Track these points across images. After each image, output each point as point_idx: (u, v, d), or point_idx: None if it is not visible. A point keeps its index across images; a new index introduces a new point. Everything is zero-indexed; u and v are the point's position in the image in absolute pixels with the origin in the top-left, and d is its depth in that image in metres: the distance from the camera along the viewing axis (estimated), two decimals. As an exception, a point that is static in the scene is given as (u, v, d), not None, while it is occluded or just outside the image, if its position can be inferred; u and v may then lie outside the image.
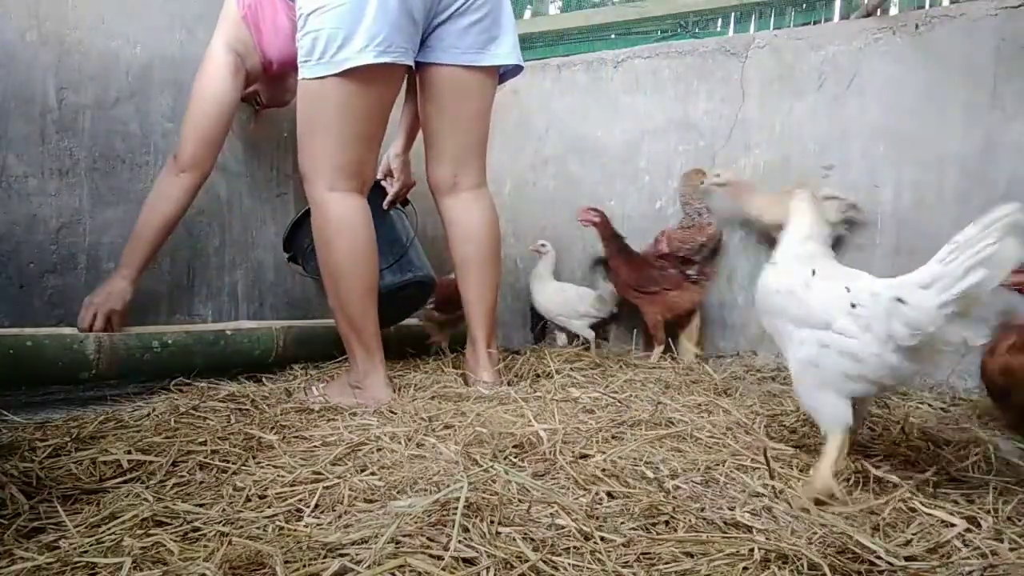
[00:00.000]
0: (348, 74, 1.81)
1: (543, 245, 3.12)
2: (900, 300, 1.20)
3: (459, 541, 0.94)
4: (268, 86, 2.41)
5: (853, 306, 1.26)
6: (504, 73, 2.15)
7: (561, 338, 3.21)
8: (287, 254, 2.45)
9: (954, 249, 1.16)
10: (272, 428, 1.62)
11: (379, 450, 1.45)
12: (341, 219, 1.92)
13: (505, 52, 2.06)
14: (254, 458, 1.40)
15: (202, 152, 2.14)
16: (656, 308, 2.72)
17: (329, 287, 1.98)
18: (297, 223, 2.37)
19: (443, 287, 2.64)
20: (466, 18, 1.98)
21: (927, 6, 2.93)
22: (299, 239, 2.35)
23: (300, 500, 1.17)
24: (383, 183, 2.40)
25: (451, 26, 1.98)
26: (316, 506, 1.15)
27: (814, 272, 1.37)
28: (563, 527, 1.03)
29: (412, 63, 1.93)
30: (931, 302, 1.17)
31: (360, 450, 1.44)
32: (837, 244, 2.64)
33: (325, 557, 0.93)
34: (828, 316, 1.30)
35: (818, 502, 1.19)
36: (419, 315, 2.80)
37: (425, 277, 2.42)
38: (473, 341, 2.19)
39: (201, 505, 1.15)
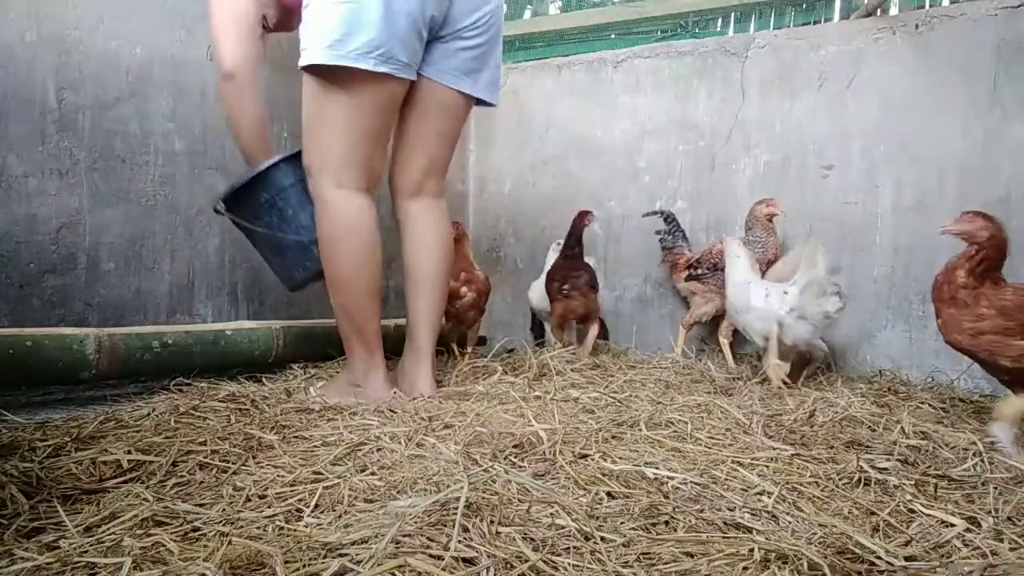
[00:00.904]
0: (350, 73, 1.80)
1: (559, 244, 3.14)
2: (786, 292, 2.26)
3: (459, 541, 0.94)
4: (277, 10, 2.32)
5: (766, 297, 2.28)
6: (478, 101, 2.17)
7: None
8: (222, 206, 2.20)
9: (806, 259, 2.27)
10: (272, 428, 1.61)
11: (379, 450, 1.45)
12: (350, 221, 1.90)
13: (482, 87, 2.09)
14: (254, 458, 1.40)
15: (241, 49, 2.06)
16: (555, 313, 2.81)
17: (333, 287, 1.96)
18: (249, 183, 2.14)
19: None
20: (459, 43, 1.99)
21: (927, 6, 2.93)
22: (253, 193, 2.15)
23: (300, 500, 1.17)
24: None
25: (445, 46, 1.99)
26: (316, 506, 1.15)
27: (750, 282, 2.37)
28: (563, 527, 1.03)
29: (414, 77, 1.94)
30: (796, 291, 2.23)
31: (360, 450, 1.44)
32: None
33: (325, 557, 0.92)
34: (753, 304, 2.31)
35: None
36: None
37: None
38: (416, 350, 2.09)
39: (201, 505, 1.15)
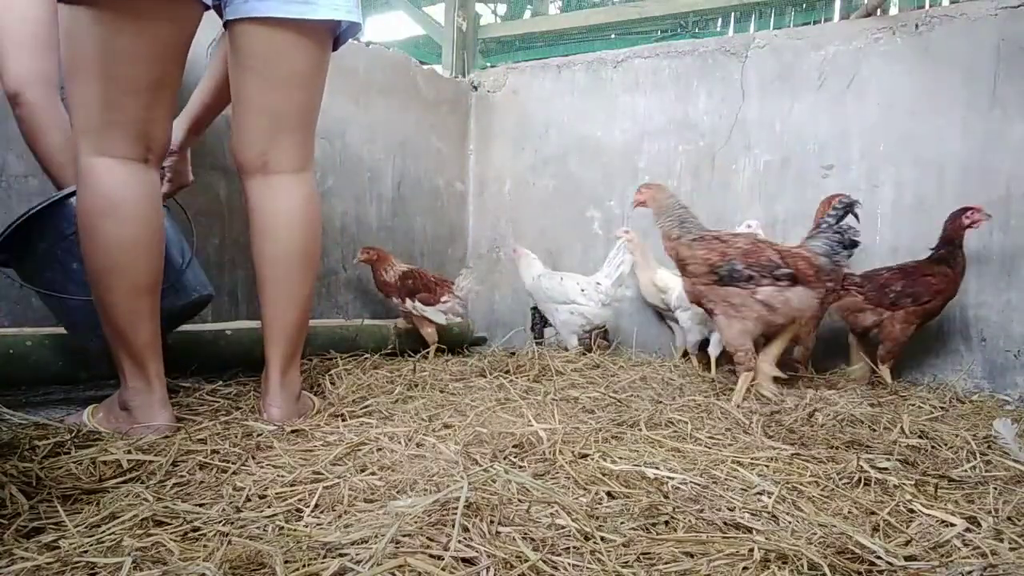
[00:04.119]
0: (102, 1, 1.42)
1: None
2: (599, 283, 2.83)
3: (459, 541, 0.94)
4: None
5: (583, 290, 2.84)
6: (341, 32, 1.74)
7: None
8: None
9: (610, 260, 2.85)
10: (272, 428, 1.61)
11: (379, 450, 1.45)
12: (109, 196, 1.50)
13: (331, 4, 1.63)
14: (254, 458, 1.40)
15: (28, 65, 1.73)
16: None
17: (91, 281, 1.56)
18: (19, 228, 1.72)
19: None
20: None
21: (927, 6, 2.94)
22: (31, 240, 1.74)
23: (300, 500, 1.17)
24: None
25: None
26: (316, 506, 1.15)
27: (562, 278, 2.94)
28: (563, 527, 1.03)
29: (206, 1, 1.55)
30: (608, 283, 2.81)
31: (360, 450, 1.44)
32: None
33: (325, 557, 0.93)
34: (572, 297, 2.85)
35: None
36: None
37: (207, 297, 1.96)
38: (266, 365, 1.75)
39: (201, 505, 1.15)
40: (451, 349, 2.94)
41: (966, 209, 2.39)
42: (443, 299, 2.79)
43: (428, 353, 2.76)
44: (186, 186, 2.06)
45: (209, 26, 1.71)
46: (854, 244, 2.08)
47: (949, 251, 2.42)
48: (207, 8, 1.56)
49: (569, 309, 2.84)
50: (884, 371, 2.48)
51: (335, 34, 1.72)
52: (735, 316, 2.01)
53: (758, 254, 2.02)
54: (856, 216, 2.14)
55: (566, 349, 2.88)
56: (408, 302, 2.77)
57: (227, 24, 1.64)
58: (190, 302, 1.90)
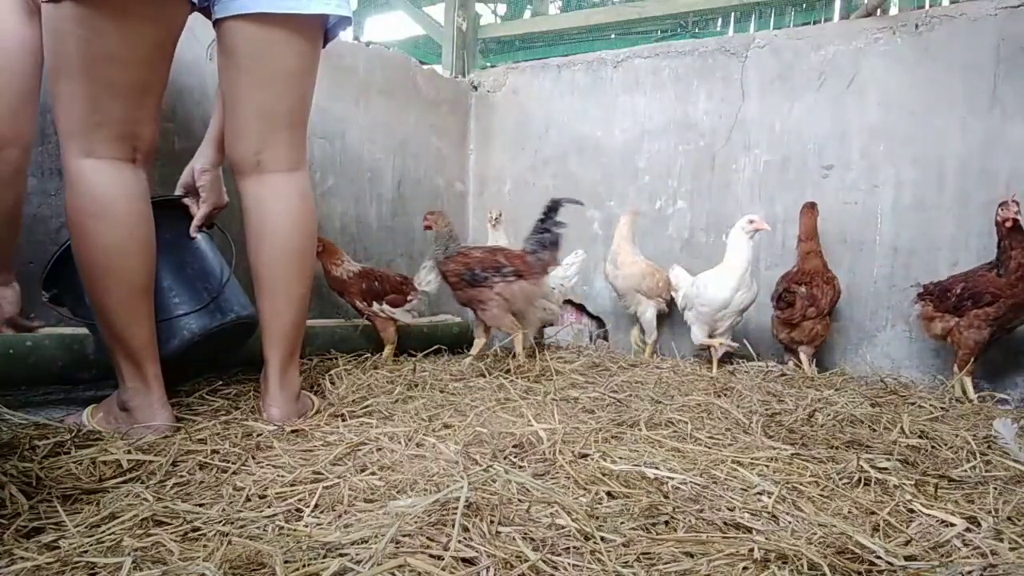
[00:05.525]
0: None
1: None
2: (562, 284, 2.90)
3: (459, 541, 0.94)
4: None
5: (553, 288, 2.84)
6: (329, 28, 1.73)
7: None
8: (46, 293, 1.82)
9: (567, 264, 2.86)
10: (272, 428, 1.61)
11: (379, 450, 1.45)
12: (99, 198, 1.49)
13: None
14: (254, 458, 1.40)
15: (14, 116, 1.60)
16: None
17: (86, 283, 1.54)
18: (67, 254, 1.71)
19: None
20: None
21: (927, 6, 2.93)
22: (70, 274, 1.70)
23: (300, 500, 1.17)
24: (186, 202, 1.94)
25: None
26: (316, 506, 1.15)
27: None
28: (563, 527, 1.03)
29: None
30: (571, 283, 2.95)
31: (360, 450, 1.44)
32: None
33: (325, 557, 0.93)
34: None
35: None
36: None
37: (249, 317, 1.87)
38: (264, 365, 1.75)
39: (201, 505, 1.15)
40: (451, 349, 2.94)
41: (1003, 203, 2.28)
42: (409, 298, 2.69)
43: (383, 354, 2.62)
44: (223, 207, 1.95)
45: (210, 26, 1.71)
46: (554, 243, 2.58)
47: (1000, 251, 2.29)
48: (194, 8, 1.55)
49: (543, 306, 2.83)
50: (963, 381, 2.32)
51: (325, 28, 1.71)
52: (487, 305, 2.55)
53: (490, 259, 2.56)
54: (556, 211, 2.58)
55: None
56: (375, 305, 2.61)
57: (216, 23, 1.62)
58: (227, 322, 1.81)
